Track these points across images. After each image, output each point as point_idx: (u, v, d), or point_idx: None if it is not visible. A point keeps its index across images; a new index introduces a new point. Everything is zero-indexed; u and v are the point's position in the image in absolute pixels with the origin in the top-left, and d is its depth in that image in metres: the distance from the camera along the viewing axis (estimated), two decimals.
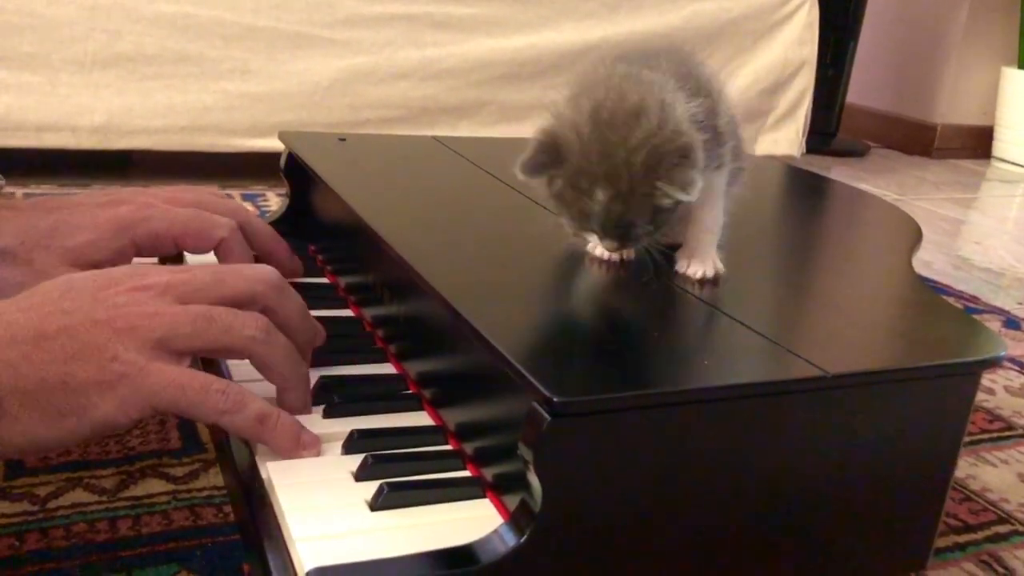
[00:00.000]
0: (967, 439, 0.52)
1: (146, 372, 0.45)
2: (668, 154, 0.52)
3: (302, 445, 0.50)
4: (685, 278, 0.58)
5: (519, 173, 0.54)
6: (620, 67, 0.56)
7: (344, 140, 0.89)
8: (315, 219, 0.83)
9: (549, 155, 0.53)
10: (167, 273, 0.51)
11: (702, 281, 0.57)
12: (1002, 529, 0.71)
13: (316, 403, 0.54)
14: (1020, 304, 1.32)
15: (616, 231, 0.53)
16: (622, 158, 0.51)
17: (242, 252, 0.66)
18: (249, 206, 1.41)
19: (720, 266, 0.58)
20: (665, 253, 0.58)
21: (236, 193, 1.46)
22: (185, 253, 0.69)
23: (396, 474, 0.47)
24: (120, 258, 0.63)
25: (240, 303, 0.51)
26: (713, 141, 0.56)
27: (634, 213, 0.52)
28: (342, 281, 0.74)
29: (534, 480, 0.40)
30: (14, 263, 0.60)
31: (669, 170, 0.51)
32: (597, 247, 0.60)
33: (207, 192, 0.68)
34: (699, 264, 0.58)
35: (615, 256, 0.59)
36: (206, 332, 0.48)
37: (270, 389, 0.53)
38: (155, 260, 0.71)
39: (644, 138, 0.52)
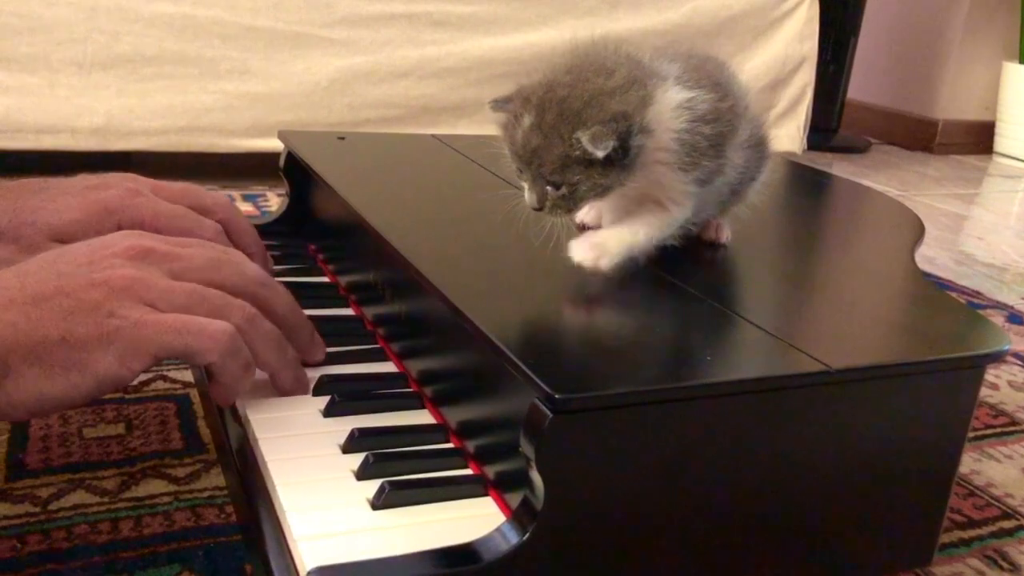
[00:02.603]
0: (971, 434, 0.51)
1: (142, 323, 0.47)
2: (600, 111, 0.50)
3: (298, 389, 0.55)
4: (570, 256, 0.54)
5: (488, 106, 0.55)
6: (625, 47, 0.55)
7: (343, 139, 0.89)
8: (315, 218, 0.83)
9: (518, 95, 0.54)
10: (163, 243, 0.52)
11: (579, 266, 0.54)
12: (1007, 524, 0.71)
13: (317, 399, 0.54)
14: (1023, 299, 1.32)
15: (531, 169, 0.52)
16: (559, 96, 0.51)
17: None
18: (249, 206, 1.40)
19: (607, 264, 0.54)
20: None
21: (236, 193, 1.46)
22: None
23: (397, 473, 0.47)
24: None
25: (229, 292, 0.52)
26: (710, 149, 0.54)
27: (546, 152, 0.51)
28: (342, 280, 0.74)
29: (536, 477, 0.40)
30: (2, 240, 0.60)
31: (590, 122, 0.50)
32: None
33: (195, 187, 0.68)
34: (586, 248, 0.54)
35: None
36: (197, 309, 0.49)
37: None
38: None
39: (590, 91, 0.51)
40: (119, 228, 0.63)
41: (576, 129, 0.50)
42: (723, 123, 0.55)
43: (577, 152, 0.50)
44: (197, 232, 0.64)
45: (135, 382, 0.73)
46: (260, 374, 0.53)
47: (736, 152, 0.57)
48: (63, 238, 0.61)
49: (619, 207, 0.58)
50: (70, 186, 0.65)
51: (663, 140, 0.53)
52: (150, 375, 0.80)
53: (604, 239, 0.55)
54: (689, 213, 0.57)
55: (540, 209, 0.53)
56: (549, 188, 0.52)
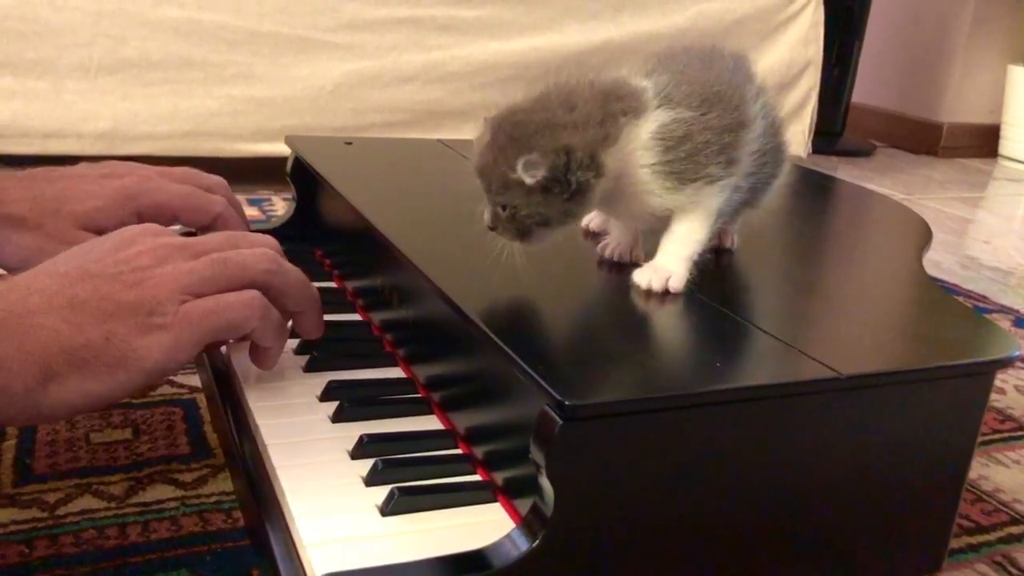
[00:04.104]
0: (979, 439, 0.51)
1: (180, 316, 0.49)
2: (546, 140, 0.50)
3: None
4: (640, 287, 0.55)
5: (483, 120, 0.55)
6: (611, 74, 0.56)
7: (350, 144, 0.89)
8: (322, 223, 0.83)
9: (495, 115, 0.55)
10: (178, 235, 0.54)
11: (648, 292, 0.54)
12: (1015, 530, 0.71)
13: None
14: None
15: (483, 186, 0.53)
16: (515, 119, 0.52)
17: (236, 223, 0.71)
18: (255, 211, 1.41)
19: (677, 284, 0.54)
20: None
21: (242, 198, 1.46)
22: None
23: (406, 479, 0.47)
24: (123, 227, 0.65)
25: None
26: (704, 155, 0.54)
27: (493, 170, 0.52)
28: (350, 285, 0.74)
29: (546, 484, 0.40)
30: (26, 228, 0.62)
31: (534, 149, 0.50)
32: (607, 248, 0.60)
33: (194, 169, 0.73)
34: (650, 274, 0.55)
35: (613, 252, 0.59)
36: (223, 273, 0.52)
37: None
38: None
39: (544, 119, 0.51)
40: (137, 213, 0.67)
41: (520, 154, 0.50)
42: (713, 131, 0.54)
43: (515, 176, 0.51)
44: (207, 207, 0.69)
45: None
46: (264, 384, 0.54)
47: (746, 158, 0.57)
48: (87, 225, 0.64)
49: (644, 222, 0.58)
50: (83, 175, 0.67)
51: (639, 176, 0.53)
52: None
53: (664, 262, 0.55)
54: (720, 203, 0.56)
55: (493, 229, 0.53)
56: (499, 209, 0.53)
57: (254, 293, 0.52)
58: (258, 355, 0.56)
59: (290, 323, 0.58)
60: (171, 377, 0.79)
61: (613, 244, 0.60)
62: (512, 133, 0.51)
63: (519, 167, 0.50)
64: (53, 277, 0.48)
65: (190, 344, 0.49)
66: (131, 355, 0.47)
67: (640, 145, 0.53)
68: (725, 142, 0.55)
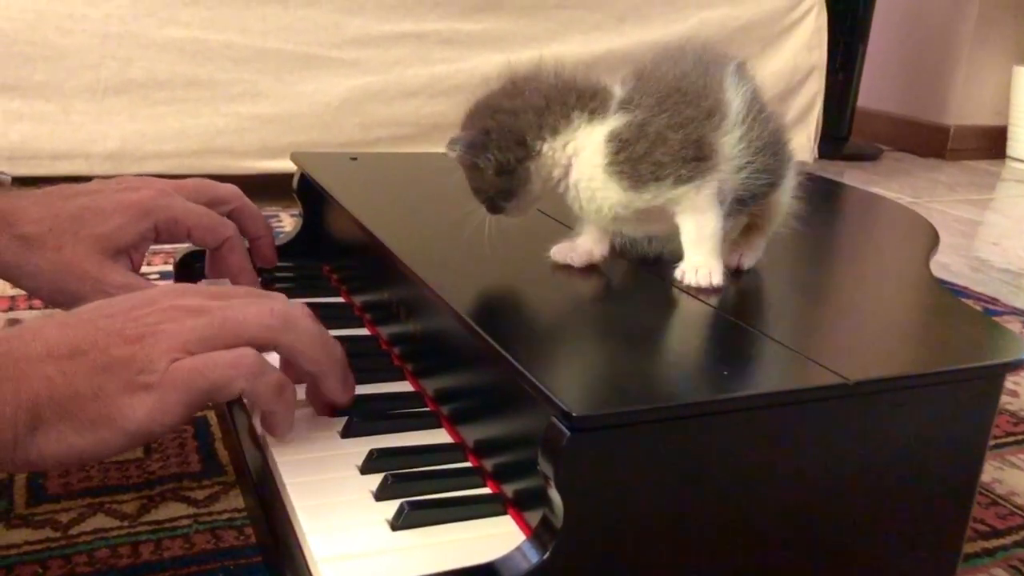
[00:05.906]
0: (992, 442, 0.51)
1: (168, 375, 0.47)
2: (477, 121, 0.58)
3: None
4: (687, 286, 0.57)
5: None
6: (576, 72, 0.59)
7: (356, 159, 0.89)
8: (329, 239, 0.83)
9: None
10: (204, 295, 0.52)
11: (699, 289, 0.57)
12: None
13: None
14: None
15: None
16: (471, 103, 0.59)
17: (242, 251, 0.73)
18: None
19: (718, 278, 0.57)
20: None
21: None
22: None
23: (416, 492, 0.47)
24: (143, 242, 0.67)
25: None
26: (661, 154, 0.54)
27: (472, 150, 0.57)
28: (357, 300, 0.75)
29: (555, 496, 0.40)
30: (43, 249, 0.62)
31: (463, 130, 0.58)
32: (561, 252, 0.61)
33: (206, 180, 0.75)
34: (691, 274, 0.57)
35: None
36: (221, 331, 0.49)
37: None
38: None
39: (486, 103, 0.58)
40: (156, 228, 0.67)
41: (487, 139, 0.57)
42: (671, 128, 0.54)
43: (477, 160, 0.57)
44: (219, 230, 0.71)
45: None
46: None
47: (730, 148, 0.56)
48: (106, 246, 0.64)
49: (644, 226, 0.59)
50: (98, 191, 0.67)
51: (595, 174, 0.56)
52: None
53: (699, 262, 0.57)
54: (710, 196, 0.56)
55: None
56: None
57: (245, 351, 0.49)
58: (263, 419, 0.53)
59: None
60: None
61: (568, 248, 0.60)
62: (466, 118, 0.59)
63: (480, 157, 0.57)
64: (61, 326, 0.48)
65: (177, 406, 0.47)
66: (115, 414, 0.46)
67: (594, 146, 0.56)
68: (690, 137, 0.54)
